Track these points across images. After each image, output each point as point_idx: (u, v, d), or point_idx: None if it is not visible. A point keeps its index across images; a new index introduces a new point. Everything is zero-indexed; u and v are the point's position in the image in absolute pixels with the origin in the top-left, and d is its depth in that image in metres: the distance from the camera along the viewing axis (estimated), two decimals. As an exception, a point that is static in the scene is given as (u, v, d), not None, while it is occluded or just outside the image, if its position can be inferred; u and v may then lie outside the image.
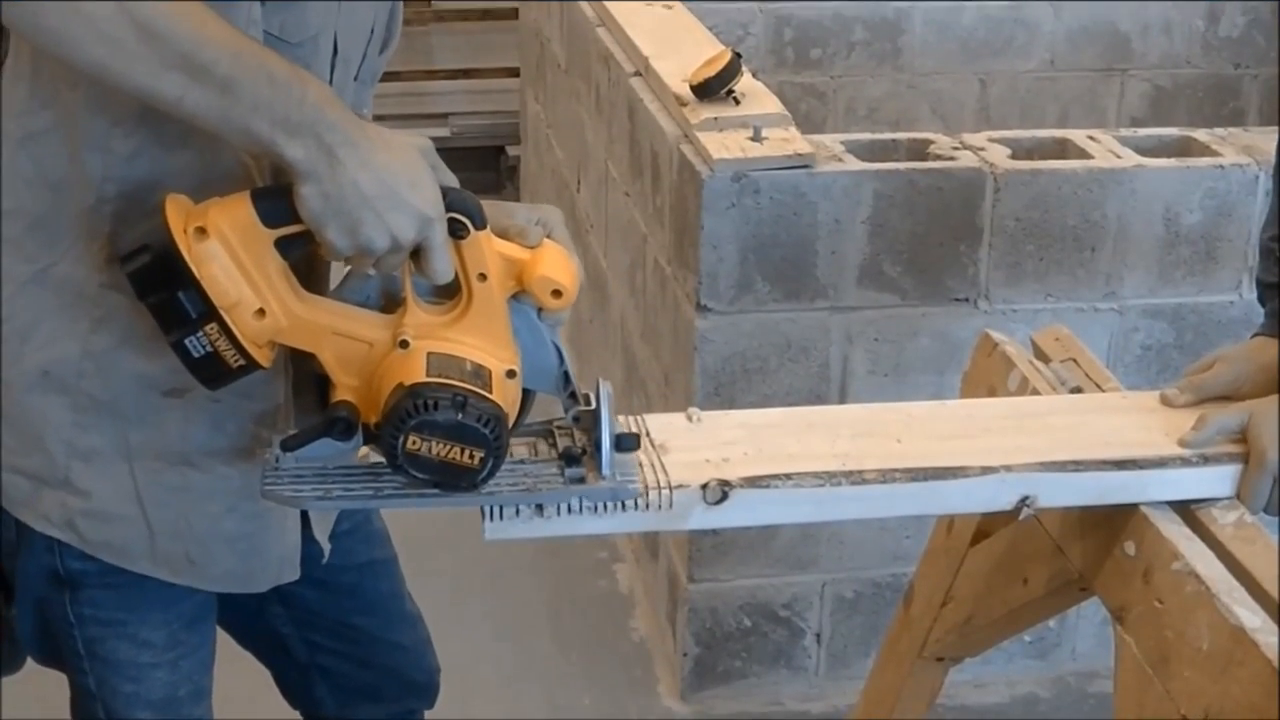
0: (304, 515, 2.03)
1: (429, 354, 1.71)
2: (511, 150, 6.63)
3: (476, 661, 3.64)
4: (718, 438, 1.96)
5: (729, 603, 3.57)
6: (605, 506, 1.81)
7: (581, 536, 1.94)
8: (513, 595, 4.02)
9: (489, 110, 7.04)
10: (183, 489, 1.89)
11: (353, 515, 2.16)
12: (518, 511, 1.79)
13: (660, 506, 1.83)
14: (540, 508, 1.79)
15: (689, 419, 2.00)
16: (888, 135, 3.56)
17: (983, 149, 3.38)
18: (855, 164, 3.28)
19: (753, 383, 3.36)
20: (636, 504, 1.81)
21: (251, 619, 2.20)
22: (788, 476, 1.88)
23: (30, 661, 2.11)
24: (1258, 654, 1.68)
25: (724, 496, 1.86)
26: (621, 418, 1.89)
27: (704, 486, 1.85)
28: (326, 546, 2.10)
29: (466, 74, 7.43)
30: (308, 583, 2.07)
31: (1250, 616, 1.72)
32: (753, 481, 1.87)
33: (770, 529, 3.46)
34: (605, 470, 1.80)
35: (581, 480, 1.80)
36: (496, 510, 1.79)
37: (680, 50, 3.74)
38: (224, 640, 2.16)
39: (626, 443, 1.83)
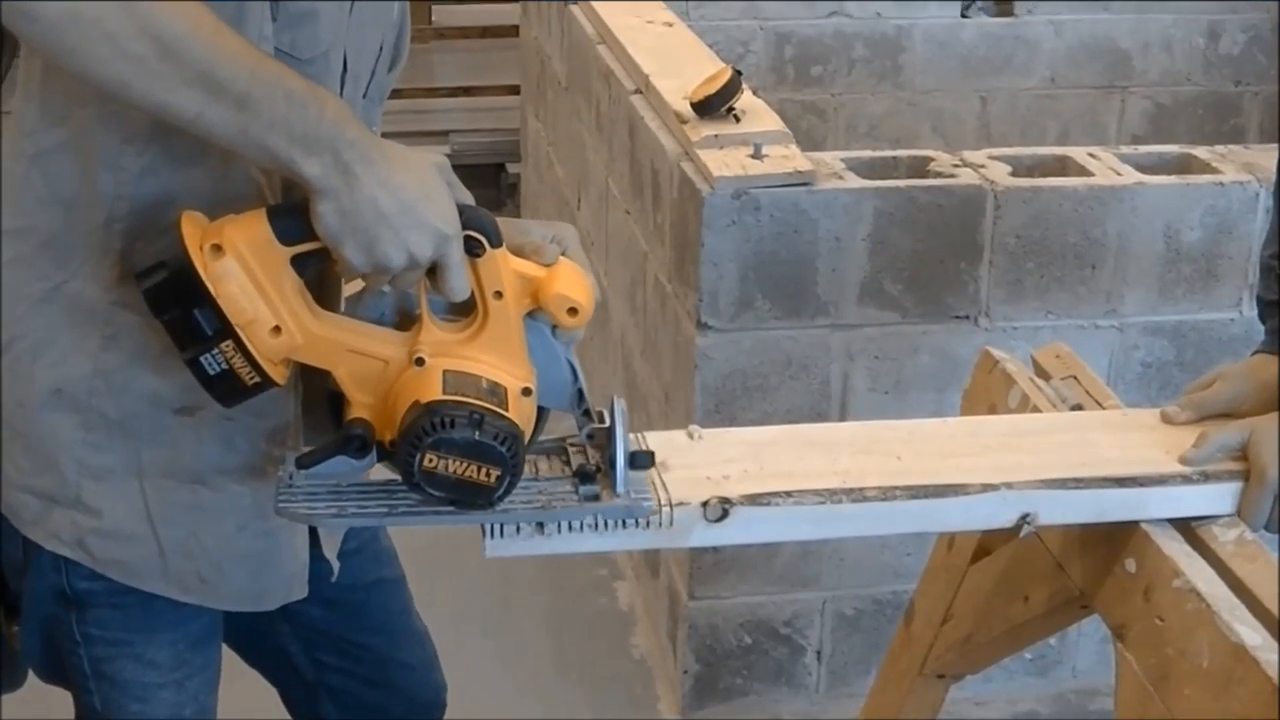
0: (313, 533, 2.03)
1: (445, 372, 1.71)
2: (512, 168, 6.64)
3: (477, 679, 3.64)
4: (718, 455, 1.96)
5: (729, 620, 3.57)
6: (606, 524, 1.81)
7: (582, 554, 1.94)
8: (513, 613, 4.02)
9: (489, 128, 7.05)
10: (194, 507, 1.88)
11: (360, 534, 2.16)
12: (519, 529, 1.79)
13: (661, 524, 1.82)
14: (541, 525, 1.79)
15: (689, 436, 2.00)
16: (888, 152, 3.56)
17: (983, 166, 3.38)
18: (856, 181, 3.28)
19: (753, 400, 3.36)
20: (637, 521, 1.81)
21: (259, 637, 2.19)
22: (788, 494, 1.88)
23: (30, 678, 2.10)
24: (1258, 672, 1.68)
25: (725, 514, 1.86)
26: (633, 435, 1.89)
27: (705, 504, 1.85)
28: (335, 565, 2.09)
29: (467, 91, 7.44)
30: (315, 601, 2.06)
31: (1251, 634, 1.72)
32: (753, 499, 1.87)
33: (771, 546, 3.46)
34: (620, 488, 1.80)
35: (596, 498, 1.80)
36: (497, 527, 1.79)
37: (681, 68, 3.74)
38: (230, 658, 2.16)
39: (641, 460, 1.83)
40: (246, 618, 2.03)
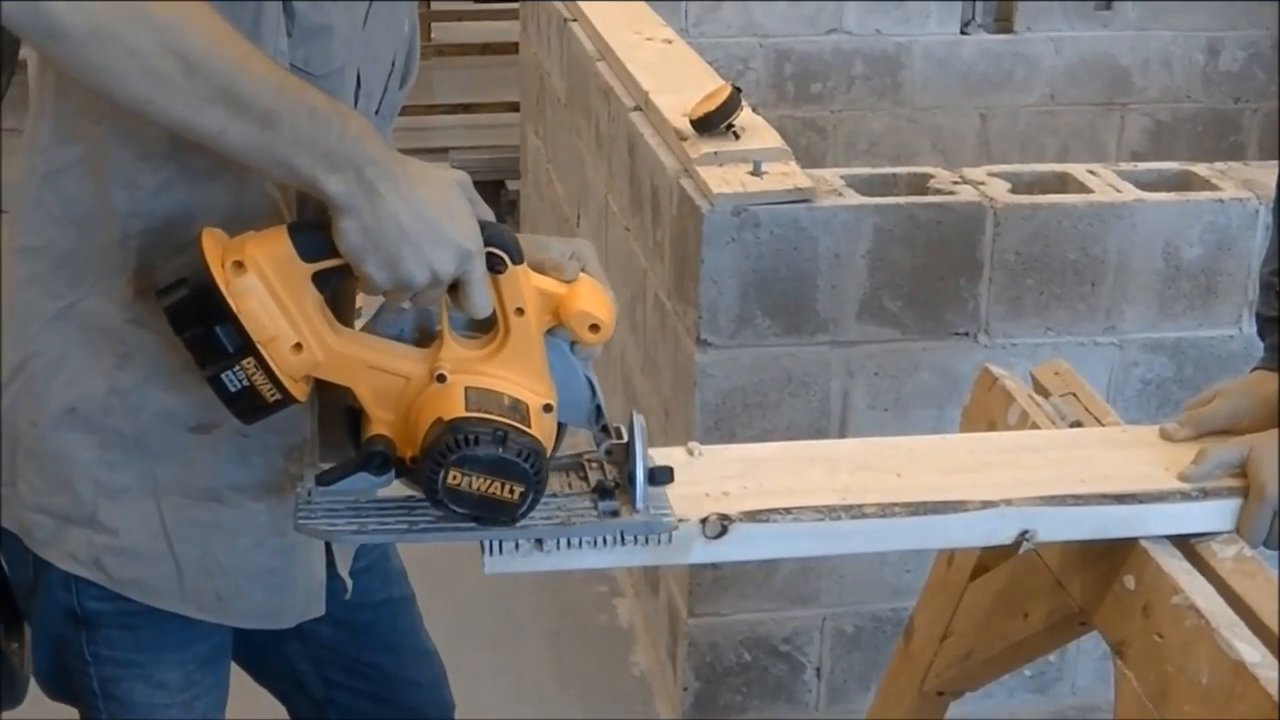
0: (328, 550, 2.02)
1: (467, 388, 1.70)
2: (511, 185, 6.65)
3: (477, 696, 3.62)
4: (718, 472, 1.96)
5: (729, 637, 3.56)
6: (606, 540, 1.80)
7: (581, 571, 1.94)
8: (513, 630, 4.01)
9: (489, 145, 7.07)
10: (211, 525, 1.87)
11: (370, 552, 2.15)
12: (517, 546, 1.79)
13: (660, 541, 1.82)
14: (540, 541, 1.79)
15: (689, 453, 2.00)
16: (888, 169, 3.56)
17: (983, 183, 3.38)
18: (855, 198, 3.28)
19: (753, 417, 3.36)
20: (636, 538, 1.81)
21: (268, 655, 2.18)
22: (787, 510, 1.88)
23: (32, 693, 2.10)
24: (1257, 688, 1.68)
25: (724, 530, 1.85)
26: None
27: (704, 521, 1.85)
28: (349, 582, 2.09)
29: (466, 109, 7.45)
30: (325, 620, 2.05)
31: (1250, 651, 1.72)
32: (752, 516, 1.87)
33: (770, 563, 3.46)
34: (639, 504, 1.79)
35: (615, 514, 1.80)
36: (496, 544, 1.78)
37: (680, 85, 3.74)
38: (239, 676, 2.15)
39: (660, 476, 1.83)
40: (256, 636, 2.02)
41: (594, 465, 1.86)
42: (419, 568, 2.31)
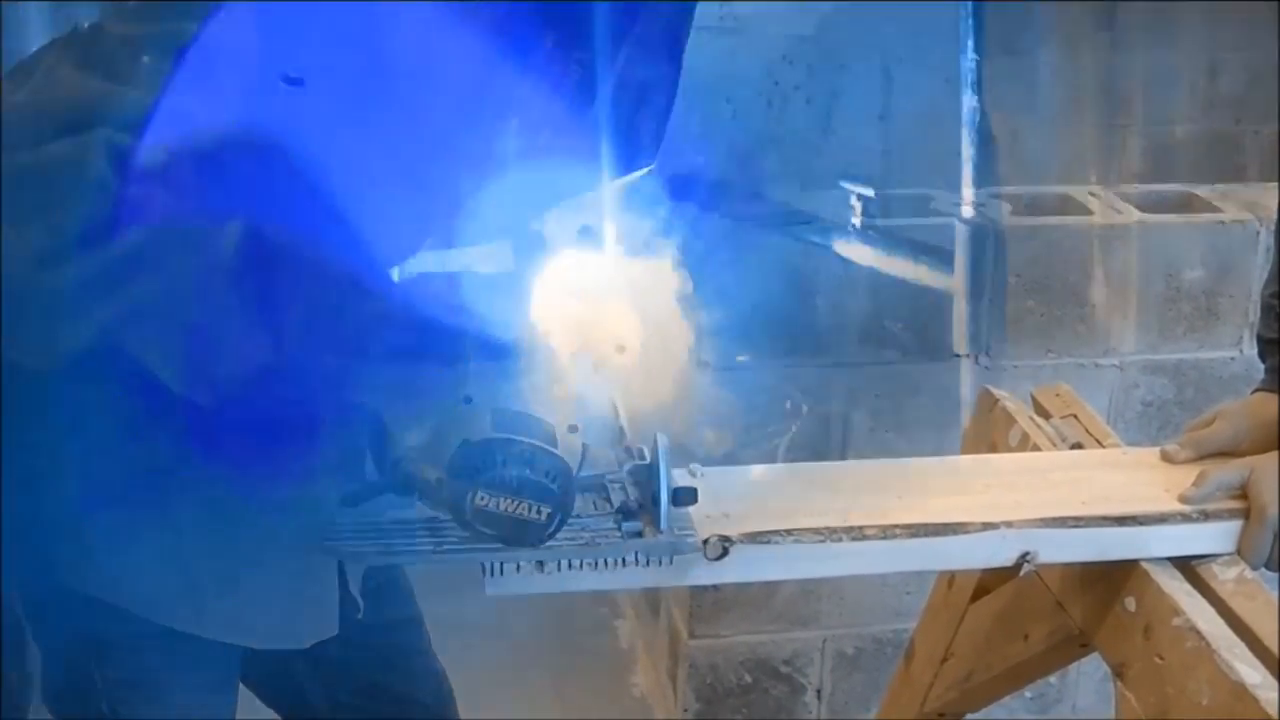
0: (340, 571, 2.02)
1: (494, 410, 1.71)
2: (513, 206, 6.65)
3: (478, 717, 3.63)
4: (718, 493, 1.96)
5: (730, 659, 3.56)
6: (606, 562, 1.80)
7: (582, 593, 1.93)
8: (513, 651, 4.01)
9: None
10: (229, 545, 1.88)
11: (380, 573, 2.15)
12: (518, 567, 1.79)
13: (661, 562, 1.82)
14: (541, 563, 1.79)
15: (690, 474, 2.00)
16: (890, 190, 3.56)
17: (984, 205, 3.38)
18: (857, 219, 3.28)
19: (754, 439, 3.35)
20: (637, 559, 1.81)
21: (276, 676, 2.18)
22: (788, 532, 1.88)
23: (34, 714, 2.10)
24: (1258, 710, 1.67)
25: (724, 552, 1.85)
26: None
27: (704, 542, 1.85)
28: (360, 602, 2.09)
29: (469, 130, 7.44)
30: (335, 640, 2.05)
31: (1250, 672, 1.72)
32: (753, 537, 1.87)
33: (771, 585, 3.45)
34: (663, 524, 1.80)
35: (639, 534, 1.80)
36: (497, 566, 1.78)
37: (682, 106, 3.74)
38: (245, 696, 2.15)
39: (683, 496, 1.83)
40: (266, 657, 2.02)
41: (616, 486, 1.86)
42: (419, 588, 2.31)
